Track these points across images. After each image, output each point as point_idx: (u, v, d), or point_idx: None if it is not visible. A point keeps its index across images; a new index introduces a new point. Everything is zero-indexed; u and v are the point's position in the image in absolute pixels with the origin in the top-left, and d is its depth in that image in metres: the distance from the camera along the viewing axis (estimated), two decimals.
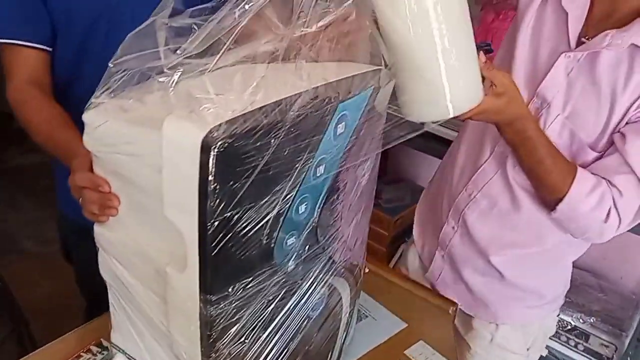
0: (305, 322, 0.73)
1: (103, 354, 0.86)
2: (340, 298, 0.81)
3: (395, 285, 1.08)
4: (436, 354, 0.93)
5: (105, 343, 0.87)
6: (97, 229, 0.70)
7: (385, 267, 1.11)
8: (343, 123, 0.62)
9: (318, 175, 0.62)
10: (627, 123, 0.85)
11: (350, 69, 0.69)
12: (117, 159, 0.61)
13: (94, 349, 0.87)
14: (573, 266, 1.10)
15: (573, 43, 0.88)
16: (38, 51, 0.96)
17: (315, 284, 0.71)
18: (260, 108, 0.54)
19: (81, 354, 0.86)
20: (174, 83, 0.54)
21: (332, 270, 0.73)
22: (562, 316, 1.57)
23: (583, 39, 0.88)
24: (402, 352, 0.92)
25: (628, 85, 0.84)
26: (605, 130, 0.87)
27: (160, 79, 0.56)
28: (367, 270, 1.09)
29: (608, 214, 0.85)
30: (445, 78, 0.67)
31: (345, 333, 0.87)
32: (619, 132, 0.86)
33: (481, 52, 0.72)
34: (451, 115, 0.70)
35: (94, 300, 1.07)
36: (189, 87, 0.56)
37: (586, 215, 0.86)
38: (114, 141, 0.59)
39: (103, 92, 0.59)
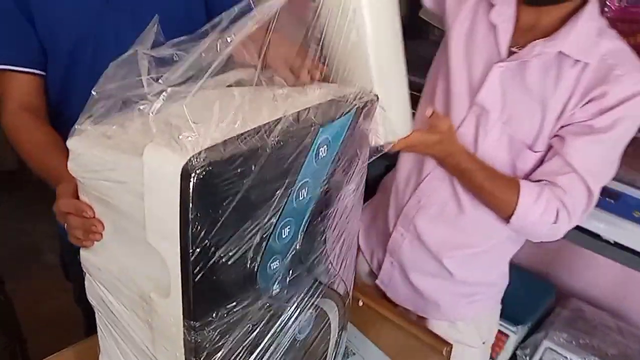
0: (291, 345, 0.73)
1: None
2: (328, 319, 0.81)
3: (387, 321, 1.06)
4: None
5: None
6: (83, 254, 0.70)
7: (378, 300, 1.10)
8: (325, 147, 0.62)
9: (300, 199, 0.62)
10: (562, 127, 0.91)
11: (332, 92, 0.69)
12: (100, 185, 0.61)
13: None
14: (590, 305, 1.21)
15: (504, 53, 0.94)
16: (30, 75, 0.97)
17: (302, 306, 0.71)
18: (240, 135, 0.54)
19: None
20: (155, 110, 0.55)
21: (318, 292, 0.73)
22: (574, 358, 1.47)
23: (513, 49, 0.94)
24: None
25: (557, 90, 0.90)
26: (541, 132, 0.93)
27: (142, 107, 0.56)
28: (361, 304, 1.09)
29: (557, 215, 0.91)
30: None
31: (334, 354, 0.87)
32: (556, 136, 0.92)
33: (429, 108, 0.85)
34: (380, 143, 0.80)
35: (92, 317, 1.07)
36: (168, 114, 0.56)
37: (536, 222, 0.93)
38: (97, 167, 0.60)
39: (86, 119, 0.60)
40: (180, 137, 0.52)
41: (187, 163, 0.50)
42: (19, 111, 0.94)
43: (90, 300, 0.74)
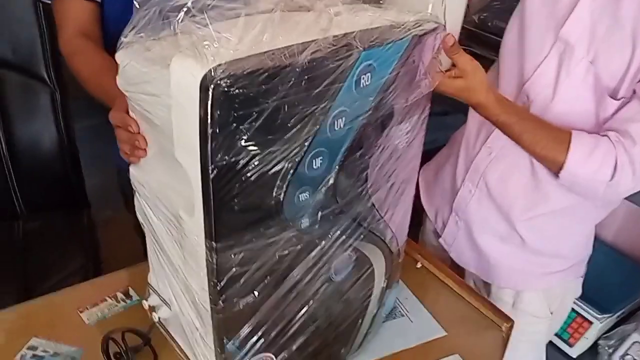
0: (326, 285, 0.70)
1: (126, 302, 0.89)
2: (371, 267, 0.77)
3: (445, 287, 1.00)
4: None
5: (131, 292, 0.91)
6: (131, 170, 0.72)
7: (439, 264, 1.03)
8: (368, 74, 0.57)
9: (336, 129, 0.58)
10: None
11: (390, 16, 0.63)
12: (141, 99, 0.61)
13: (120, 295, 0.91)
14: None
15: None
16: (87, 3, 1.00)
17: (337, 246, 0.67)
18: (268, 51, 0.51)
19: (106, 298, 0.90)
20: (181, 20, 0.53)
21: (357, 234, 0.69)
22: None
23: None
24: None
25: None
26: (626, 74, 0.81)
27: (178, 19, 0.54)
28: (419, 266, 1.04)
29: (614, 171, 0.81)
30: None
31: (377, 309, 0.83)
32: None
33: (450, 34, 0.73)
34: None
35: None
36: (205, 29, 0.54)
37: (590, 179, 0.83)
38: (136, 80, 0.60)
39: (130, 30, 0.60)
40: (204, 48, 0.50)
41: (207, 73, 0.48)
42: (77, 37, 0.98)
43: (138, 218, 0.76)
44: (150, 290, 0.82)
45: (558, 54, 0.87)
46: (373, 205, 0.69)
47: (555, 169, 0.86)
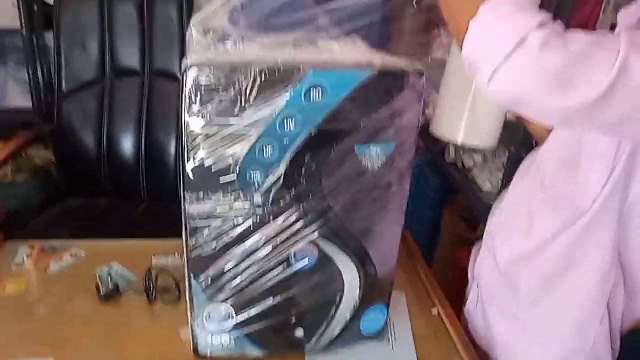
0: (284, 266, 0.84)
1: None
2: (339, 272, 0.88)
3: (451, 349, 0.97)
4: None
5: None
6: None
7: (456, 323, 1.02)
8: (319, 90, 0.73)
9: (286, 129, 0.74)
10: None
11: (380, 59, 0.78)
12: None
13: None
14: None
15: None
16: None
17: (292, 233, 0.81)
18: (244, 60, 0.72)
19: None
20: None
21: (314, 229, 0.82)
22: None
23: None
24: None
25: None
26: None
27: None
28: (434, 313, 1.06)
29: (526, 39, 0.59)
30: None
31: (350, 318, 0.92)
32: None
33: None
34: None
35: None
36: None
37: (489, 46, 0.62)
38: None
39: None
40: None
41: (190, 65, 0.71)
42: None
43: None
44: None
45: None
46: (330, 207, 0.81)
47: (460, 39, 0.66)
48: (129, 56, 1.67)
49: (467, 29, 0.63)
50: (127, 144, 1.68)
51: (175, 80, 1.67)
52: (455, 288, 1.14)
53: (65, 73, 1.66)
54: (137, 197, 1.72)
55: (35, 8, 2.23)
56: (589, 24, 1.59)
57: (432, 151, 2.01)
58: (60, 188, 1.75)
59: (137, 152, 1.69)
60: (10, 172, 1.71)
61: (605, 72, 0.57)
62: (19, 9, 1.75)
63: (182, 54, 1.65)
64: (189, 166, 0.75)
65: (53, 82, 1.70)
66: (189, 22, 0.77)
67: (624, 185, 0.75)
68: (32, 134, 1.72)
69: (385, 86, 0.77)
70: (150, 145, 1.68)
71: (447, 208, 2.18)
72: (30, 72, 1.81)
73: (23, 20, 1.76)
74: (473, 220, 1.90)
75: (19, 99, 2.00)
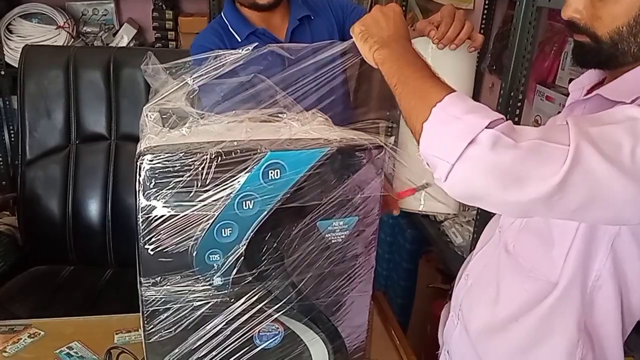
0: (248, 347, 0.81)
1: None
2: (306, 349, 0.85)
3: None
4: None
5: None
6: None
7: None
8: (277, 170, 0.72)
9: (245, 208, 0.73)
10: None
11: (331, 133, 0.78)
12: None
13: None
14: None
15: None
16: None
17: (255, 312, 0.79)
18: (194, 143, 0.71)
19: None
20: None
21: (278, 307, 0.79)
22: None
23: None
24: None
25: None
26: None
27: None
28: None
29: (478, 137, 0.58)
30: None
31: None
32: None
33: None
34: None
35: None
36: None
37: (443, 142, 0.61)
38: None
39: None
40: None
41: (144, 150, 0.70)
42: None
43: None
44: None
45: None
46: (295, 284, 0.79)
47: (418, 135, 0.65)
48: (95, 121, 1.65)
49: (421, 129, 0.64)
50: (93, 209, 1.65)
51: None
52: (433, 341, 1.11)
53: (29, 140, 1.63)
54: (104, 262, 1.67)
55: (2, 72, 2.24)
56: (547, 79, 1.63)
57: None
58: (25, 254, 1.69)
59: (103, 217, 1.65)
60: None
61: (558, 165, 0.57)
62: None
63: None
64: (145, 250, 0.73)
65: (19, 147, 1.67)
66: None
67: (586, 256, 0.75)
68: None
69: (344, 163, 0.76)
70: (117, 209, 1.65)
71: (423, 259, 2.16)
72: None
73: None
74: (448, 272, 1.89)
75: None
